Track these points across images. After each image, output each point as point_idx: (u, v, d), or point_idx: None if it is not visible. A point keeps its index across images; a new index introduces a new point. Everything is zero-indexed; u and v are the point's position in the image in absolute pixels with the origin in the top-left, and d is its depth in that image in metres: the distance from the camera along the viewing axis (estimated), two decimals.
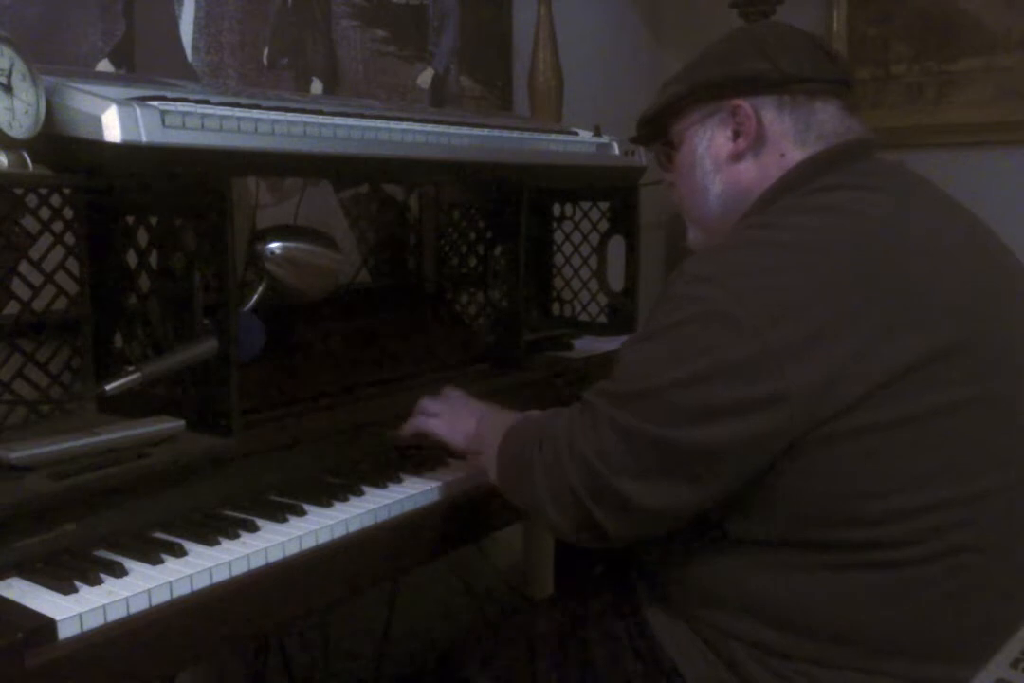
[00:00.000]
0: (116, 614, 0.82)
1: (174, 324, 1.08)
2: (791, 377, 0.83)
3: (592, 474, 0.91)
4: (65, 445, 0.97)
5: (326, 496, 1.08)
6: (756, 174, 1.01)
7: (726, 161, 1.03)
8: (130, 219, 1.12)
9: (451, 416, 1.16)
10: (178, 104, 1.01)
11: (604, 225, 1.87)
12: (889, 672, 0.89)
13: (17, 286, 1.11)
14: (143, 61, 1.41)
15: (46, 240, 1.12)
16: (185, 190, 1.05)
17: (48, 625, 0.77)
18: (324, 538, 1.00)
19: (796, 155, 0.99)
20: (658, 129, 1.11)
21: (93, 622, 0.80)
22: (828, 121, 1.00)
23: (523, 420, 1.07)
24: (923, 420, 0.86)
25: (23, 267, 1.11)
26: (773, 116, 1.00)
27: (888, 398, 0.84)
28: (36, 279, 1.12)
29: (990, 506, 0.89)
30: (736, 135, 1.02)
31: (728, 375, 0.84)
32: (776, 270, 0.87)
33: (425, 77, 1.89)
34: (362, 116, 1.22)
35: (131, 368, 1.07)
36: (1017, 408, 0.92)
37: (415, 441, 1.19)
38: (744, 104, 1.00)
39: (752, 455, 0.86)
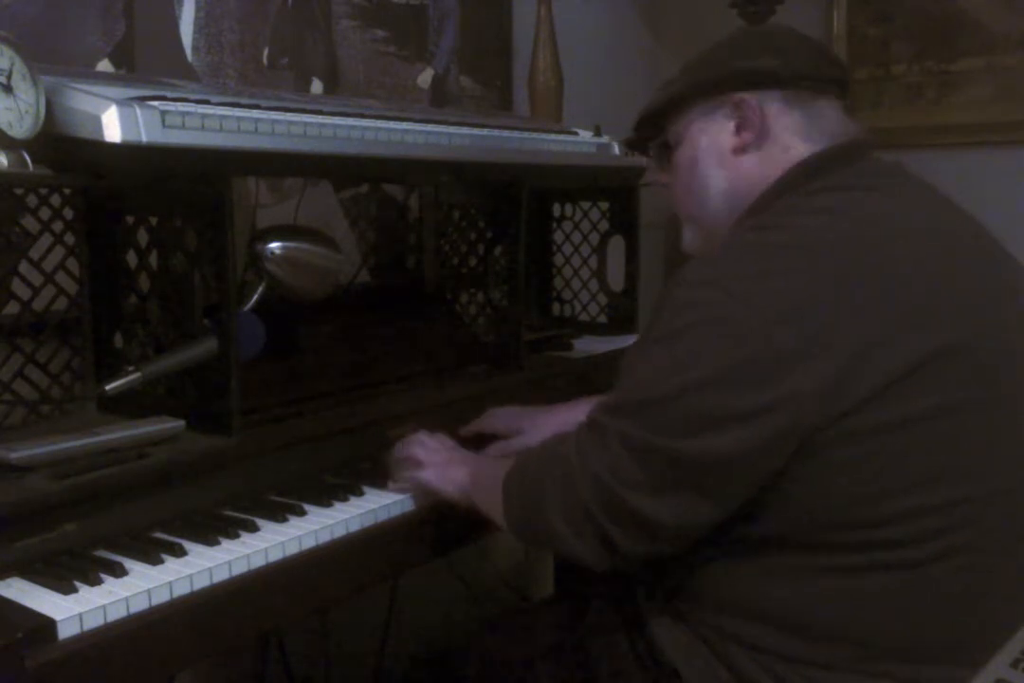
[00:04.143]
0: (116, 614, 0.82)
1: (174, 324, 1.08)
2: (797, 379, 0.82)
3: (605, 491, 0.89)
4: (65, 445, 0.97)
5: (326, 496, 1.08)
6: (759, 169, 1.00)
7: (729, 155, 1.01)
8: (130, 219, 1.12)
9: (439, 465, 1.11)
10: (178, 104, 1.01)
11: (604, 225, 1.87)
12: (890, 674, 0.88)
13: (17, 286, 1.11)
14: (143, 61, 1.41)
15: (46, 240, 1.13)
16: (185, 190, 1.05)
17: (48, 625, 0.78)
18: (324, 538, 1.00)
19: (800, 150, 0.98)
20: (657, 128, 1.10)
21: (93, 622, 0.80)
22: (831, 120, 1.00)
23: (523, 459, 1.02)
24: (927, 421, 0.85)
25: (23, 267, 1.11)
26: (779, 110, 0.99)
27: (892, 398, 0.84)
28: (36, 279, 1.12)
29: (993, 507, 0.88)
30: (739, 129, 1.01)
31: (734, 380, 0.83)
32: (777, 272, 0.86)
33: (425, 77, 1.88)
34: (362, 116, 1.22)
35: (131, 368, 1.07)
36: (1019, 409, 0.92)
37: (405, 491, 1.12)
38: (749, 98, 0.99)
39: (762, 462, 0.85)
